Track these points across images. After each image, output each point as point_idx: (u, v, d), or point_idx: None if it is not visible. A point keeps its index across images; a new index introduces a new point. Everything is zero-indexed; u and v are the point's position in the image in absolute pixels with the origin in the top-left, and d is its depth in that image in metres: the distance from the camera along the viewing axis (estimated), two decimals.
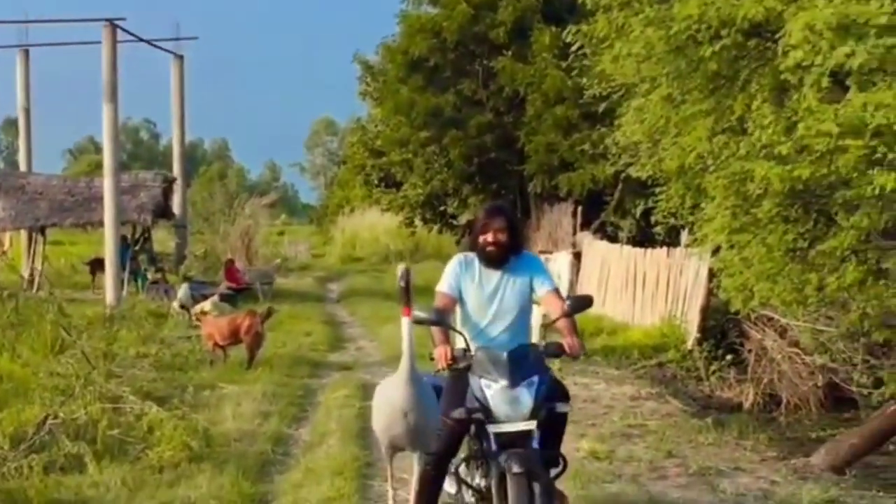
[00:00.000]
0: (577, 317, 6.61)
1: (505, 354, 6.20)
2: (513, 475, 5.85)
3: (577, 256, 22.88)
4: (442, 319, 6.44)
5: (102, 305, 19.39)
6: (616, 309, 20.61)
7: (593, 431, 10.79)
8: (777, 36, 9.68)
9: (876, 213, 10.77)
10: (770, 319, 16.14)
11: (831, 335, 15.04)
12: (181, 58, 32.64)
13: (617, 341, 17.86)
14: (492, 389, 6.10)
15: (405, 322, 6.28)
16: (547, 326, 6.78)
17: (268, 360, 15.24)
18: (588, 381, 14.31)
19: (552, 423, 6.30)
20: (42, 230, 26.50)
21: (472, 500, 6.63)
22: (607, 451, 9.66)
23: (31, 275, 26.01)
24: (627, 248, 21.49)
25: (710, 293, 16.80)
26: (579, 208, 26.82)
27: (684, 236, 18.68)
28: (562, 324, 6.50)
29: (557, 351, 6.45)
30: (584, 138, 24.40)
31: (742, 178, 11.39)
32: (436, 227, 33.51)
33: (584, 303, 6.64)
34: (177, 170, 32.15)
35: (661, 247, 19.84)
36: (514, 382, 6.08)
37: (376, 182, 36.71)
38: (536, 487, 5.89)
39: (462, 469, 6.68)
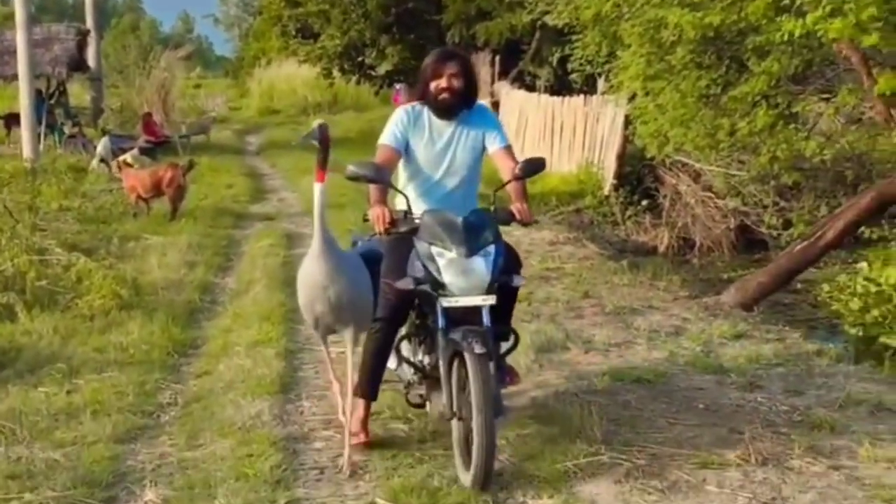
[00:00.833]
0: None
1: (460, 220, 5.60)
2: (474, 355, 5.24)
3: (496, 106, 23.05)
4: (380, 175, 5.73)
5: (19, 160, 19.21)
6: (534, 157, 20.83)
7: None
8: None
9: (786, 58, 11.07)
10: (684, 165, 16.49)
11: (743, 179, 15.47)
12: None
13: (535, 188, 18.11)
14: (444, 259, 5.51)
15: (317, 188, 5.58)
16: (497, 190, 5.98)
17: (191, 211, 15.35)
18: (508, 227, 14.58)
19: (504, 296, 5.75)
20: None
21: (415, 378, 6.16)
22: (526, 293, 9.90)
23: None
24: (545, 97, 21.68)
25: (626, 140, 17.11)
26: (497, 58, 26.89)
27: (601, 84, 18.89)
28: (511, 187, 5.97)
29: (507, 217, 5.85)
30: None
31: (656, 25, 11.60)
32: (354, 79, 33.32)
33: (535, 166, 5.96)
34: (90, 22, 31.52)
35: (579, 95, 20.06)
36: (470, 251, 5.50)
37: (293, 33, 36.18)
38: (490, 367, 5.33)
39: (404, 345, 6.14)
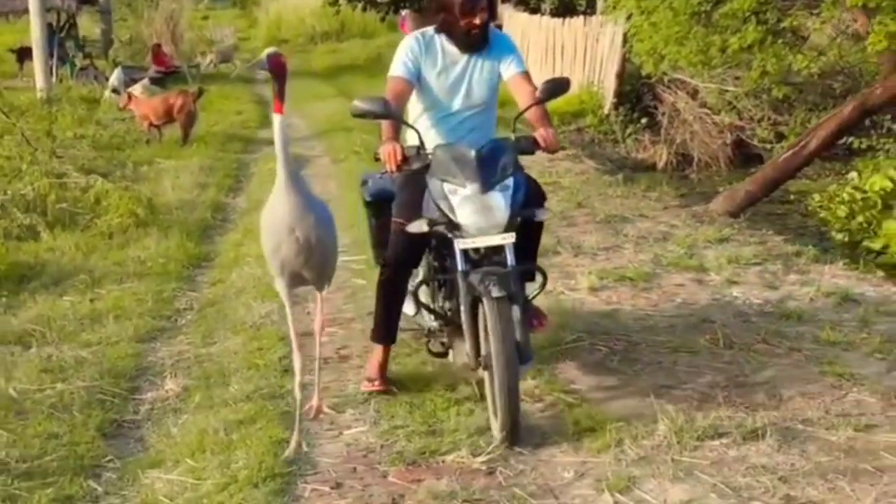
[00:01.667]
0: None
1: (473, 152, 5.21)
2: (492, 300, 4.88)
3: (499, 29, 23.36)
4: (389, 110, 5.34)
5: (32, 92, 19.63)
6: (536, 79, 21.10)
7: None
8: None
9: None
10: (682, 83, 16.84)
11: (738, 94, 15.85)
12: None
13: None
14: (458, 196, 5.13)
15: (276, 119, 4.98)
16: (517, 117, 5.55)
17: (201, 137, 15.80)
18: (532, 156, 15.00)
19: (528, 232, 5.42)
20: None
21: (435, 324, 5.77)
22: None
23: None
24: (546, 19, 21.97)
25: (625, 59, 17.43)
26: None
27: (600, 4, 19.20)
28: (532, 113, 5.54)
29: (529, 146, 5.46)
30: None
31: None
32: (360, 6, 33.52)
33: (558, 86, 5.52)
34: None
35: (580, 17, 20.37)
36: (486, 186, 5.12)
37: None
38: (515, 311, 4.98)
39: (422, 290, 5.66)
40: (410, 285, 5.78)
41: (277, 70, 4.96)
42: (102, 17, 32.01)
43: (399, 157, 5.30)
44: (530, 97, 5.55)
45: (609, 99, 17.98)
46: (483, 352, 5.06)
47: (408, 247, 5.58)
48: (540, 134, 5.45)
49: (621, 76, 17.94)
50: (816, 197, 11.95)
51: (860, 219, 10.81)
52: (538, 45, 21.52)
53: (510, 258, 5.12)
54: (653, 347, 6.34)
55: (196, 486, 4.72)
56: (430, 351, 5.88)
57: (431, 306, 5.73)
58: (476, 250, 5.16)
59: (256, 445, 5.04)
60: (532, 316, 5.65)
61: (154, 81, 21.85)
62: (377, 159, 5.46)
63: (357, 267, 8.32)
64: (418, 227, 5.30)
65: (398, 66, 5.71)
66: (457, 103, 5.76)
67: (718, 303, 7.29)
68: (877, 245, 10.30)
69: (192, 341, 6.91)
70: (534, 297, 5.49)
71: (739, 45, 12.08)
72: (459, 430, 5.16)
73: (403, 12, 30.85)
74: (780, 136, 14.81)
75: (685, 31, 12.83)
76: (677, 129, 16.72)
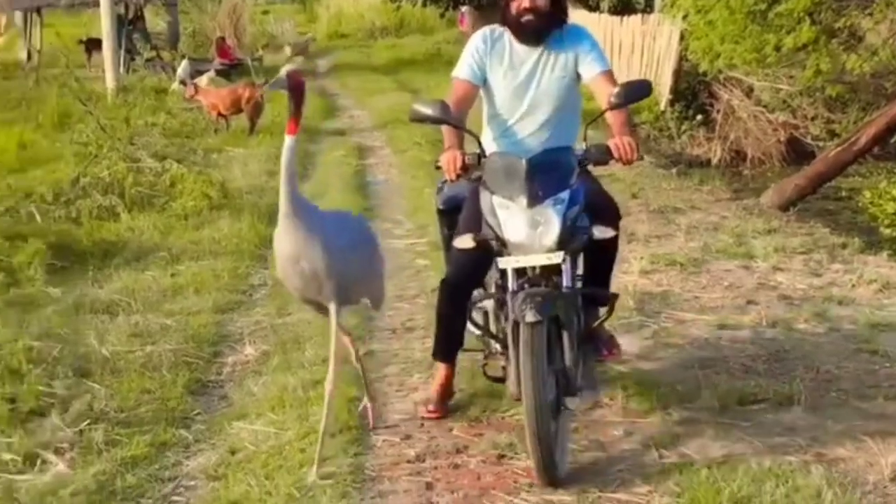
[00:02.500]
0: None
1: (524, 161, 4.73)
2: (526, 325, 4.45)
3: None
4: (447, 115, 4.89)
5: (101, 83, 20.26)
6: None
7: None
8: None
9: None
10: (737, 80, 17.17)
11: (792, 93, 16.17)
12: None
13: (593, 105, 18.89)
14: (506, 210, 4.69)
15: (288, 141, 4.70)
16: (589, 124, 5.02)
17: (267, 127, 16.31)
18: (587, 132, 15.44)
19: (594, 252, 4.98)
20: (38, 11, 27.11)
21: (497, 348, 5.20)
22: None
23: (30, 55, 26.77)
24: (605, 17, 22.35)
25: (681, 57, 17.78)
26: None
27: (657, 3, 19.55)
28: (609, 118, 4.98)
29: (602, 155, 4.88)
30: None
31: None
32: (419, 2, 34.02)
33: (638, 90, 4.93)
34: None
35: (638, 15, 20.75)
36: (535, 200, 4.64)
37: None
38: (564, 335, 4.62)
39: (477, 310, 5.24)
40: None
41: (296, 89, 4.74)
42: (168, 10, 32.68)
43: (459, 165, 4.86)
44: (607, 101, 4.93)
45: (665, 96, 18.31)
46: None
47: (468, 264, 5.10)
48: (614, 142, 4.82)
49: (677, 74, 18.26)
50: (867, 194, 12.24)
51: None
52: None
53: (566, 280, 4.69)
54: (698, 324, 6.76)
55: (278, 436, 5.20)
56: (486, 374, 5.32)
57: (487, 327, 5.23)
58: (533, 269, 4.69)
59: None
60: (602, 344, 5.33)
61: (218, 73, 22.46)
62: (438, 167, 5.01)
63: (420, 249, 8.79)
64: (465, 242, 4.90)
65: (461, 67, 5.24)
66: (524, 107, 5.19)
67: (763, 287, 7.67)
68: None
69: (267, 312, 7.40)
70: (599, 323, 5.14)
71: (794, 44, 12.41)
72: None
73: (463, 8, 31.32)
74: (834, 134, 15.13)
75: (740, 30, 13.18)
76: (732, 126, 17.06)
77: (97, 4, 23.33)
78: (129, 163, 11.66)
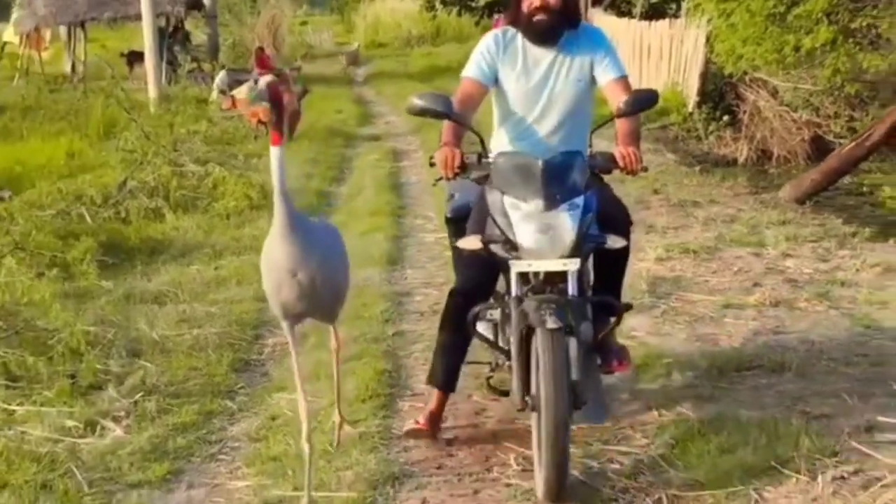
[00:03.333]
0: None
1: (540, 162, 4.59)
2: (546, 331, 4.31)
3: None
4: (449, 110, 4.77)
5: (143, 93, 20.90)
6: None
7: None
8: None
9: None
10: (763, 81, 17.59)
11: (815, 92, 16.57)
12: None
13: (601, 110, 19.32)
14: (519, 212, 4.55)
15: (274, 152, 4.60)
16: (594, 130, 5.00)
17: (305, 133, 16.88)
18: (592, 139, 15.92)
19: (605, 261, 4.91)
20: (82, 25, 27.90)
21: (501, 359, 5.19)
22: None
23: (74, 68, 27.56)
24: (634, 22, 22.81)
25: (708, 60, 18.21)
26: None
27: (684, 7, 19.99)
28: (617, 125, 4.92)
29: (606, 163, 4.82)
30: None
31: None
32: (455, 10, 34.56)
33: (646, 100, 4.84)
34: None
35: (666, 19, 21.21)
36: (551, 203, 4.51)
37: None
38: (572, 345, 4.43)
39: (480, 321, 5.11)
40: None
41: (276, 100, 4.67)
42: (208, 22, 33.39)
43: (457, 164, 4.75)
44: (615, 108, 4.85)
45: (692, 98, 18.74)
46: (532, 390, 4.49)
47: (474, 273, 5.00)
48: (620, 151, 4.76)
49: (704, 76, 18.68)
50: (887, 189, 12.66)
51: None
52: (625, 48, 22.32)
53: (571, 287, 4.54)
54: (705, 304, 7.24)
55: (314, 403, 5.71)
56: (489, 386, 5.30)
57: (491, 339, 5.12)
58: (535, 275, 4.58)
59: (362, 374, 6.06)
60: (613, 355, 5.12)
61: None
62: (432, 164, 4.91)
63: (448, 242, 9.29)
64: (471, 242, 4.74)
65: (471, 67, 5.11)
66: (537, 110, 5.07)
67: (771, 272, 8.13)
68: None
69: None
70: (606, 333, 4.96)
71: (812, 44, 12.83)
72: None
73: (497, 16, 31.80)
74: (854, 132, 15.49)
75: (761, 32, 13.59)
76: (757, 125, 17.45)
77: (139, 18, 24.07)
78: (173, 167, 12.24)
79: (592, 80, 5.07)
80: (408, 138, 16.95)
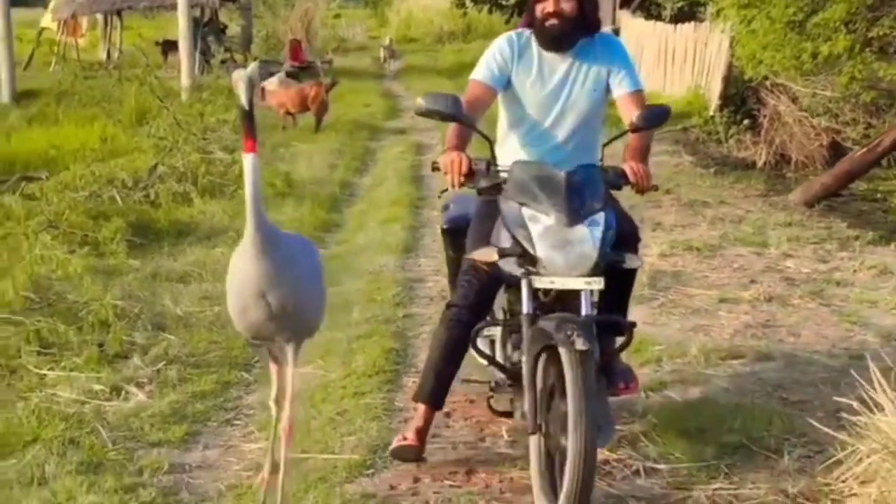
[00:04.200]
0: None
1: (563, 174, 4.44)
2: (574, 352, 4.04)
3: (616, 34, 24.55)
4: (458, 111, 4.54)
5: (176, 82, 21.34)
6: (649, 82, 22.33)
7: None
8: None
9: None
10: (784, 87, 17.86)
11: (834, 98, 16.85)
12: None
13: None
14: (540, 225, 4.34)
15: (247, 160, 4.22)
16: (607, 144, 4.81)
17: (332, 125, 17.30)
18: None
19: (616, 279, 4.57)
20: (118, 13, 28.42)
21: (503, 379, 4.99)
22: None
23: (109, 55, 28.09)
24: (660, 25, 23.08)
25: (731, 64, 18.51)
26: None
27: (708, 12, 20.28)
28: (628, 140, 4.75)
29: (617, 179, 4.60)
30: None
31: None
32: (486, 8, 34.88)
33: (658, 116, 4.65)
34: None
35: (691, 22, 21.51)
36: (573, 218, 4.32)
37: None
38: (594, 370, 4.17)
39: (481, 338, 4.89)
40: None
41: (251, 105, 4.32)
42: (242, 14, 33.86)
43: (464, 170, 4.50)
44: (628, 123, 4.70)
45: (714, 101, 19.00)
46: (543, 415, 4.34)
47: (480, 288, 4.79)
48: (630, 167, 4.58)
49: (727, 80, 18.94)
50: None
51: None
52: (652, 50, 22.65)
53: (585, 307, 4.33)
54: (702, 298, 7.59)
55: (325, 377, 6.14)
56: (491, 408, 5.16)
57: (493, 357, 4.94)
58: (546, 293, 4.42)
59: (371, 351, 6.45)
60: (619, 377, 4.92)
61: (288, 75, 23.50)
62: (435, 169, 4.65)
63: None
64: (486, 254, 4.54)
65: (481, 69, 4.91)
66: (551, 118, 4.90)
67: (770, 270, 8.48)
68: None
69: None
70: (612, 353, 4.77)
71: (829, 52, 13.13)
72: None
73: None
74: (871, 139, 15.78)
75: (780, 38, 13.88)
76: (777, 130, 17.69)
77: (174, 8, 24.53)
78: (202, 154, 12.65)
79: (607, 90, 4.91)
80: (432, 132, 17.24)
